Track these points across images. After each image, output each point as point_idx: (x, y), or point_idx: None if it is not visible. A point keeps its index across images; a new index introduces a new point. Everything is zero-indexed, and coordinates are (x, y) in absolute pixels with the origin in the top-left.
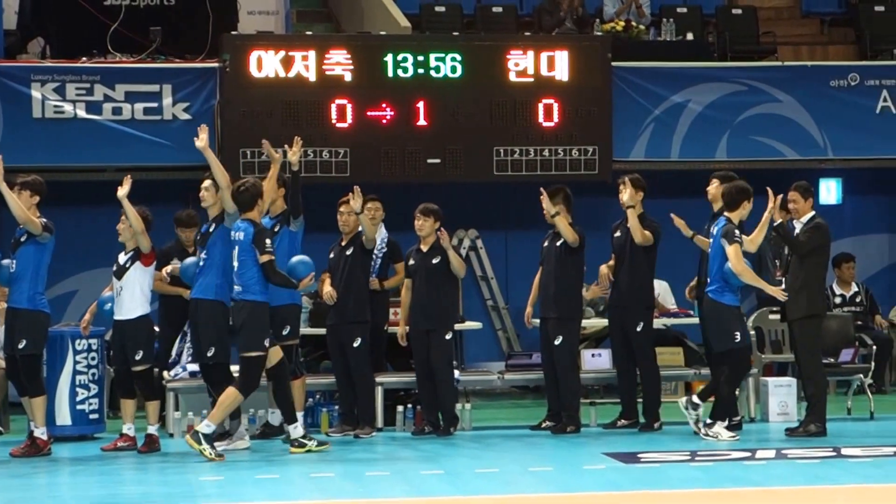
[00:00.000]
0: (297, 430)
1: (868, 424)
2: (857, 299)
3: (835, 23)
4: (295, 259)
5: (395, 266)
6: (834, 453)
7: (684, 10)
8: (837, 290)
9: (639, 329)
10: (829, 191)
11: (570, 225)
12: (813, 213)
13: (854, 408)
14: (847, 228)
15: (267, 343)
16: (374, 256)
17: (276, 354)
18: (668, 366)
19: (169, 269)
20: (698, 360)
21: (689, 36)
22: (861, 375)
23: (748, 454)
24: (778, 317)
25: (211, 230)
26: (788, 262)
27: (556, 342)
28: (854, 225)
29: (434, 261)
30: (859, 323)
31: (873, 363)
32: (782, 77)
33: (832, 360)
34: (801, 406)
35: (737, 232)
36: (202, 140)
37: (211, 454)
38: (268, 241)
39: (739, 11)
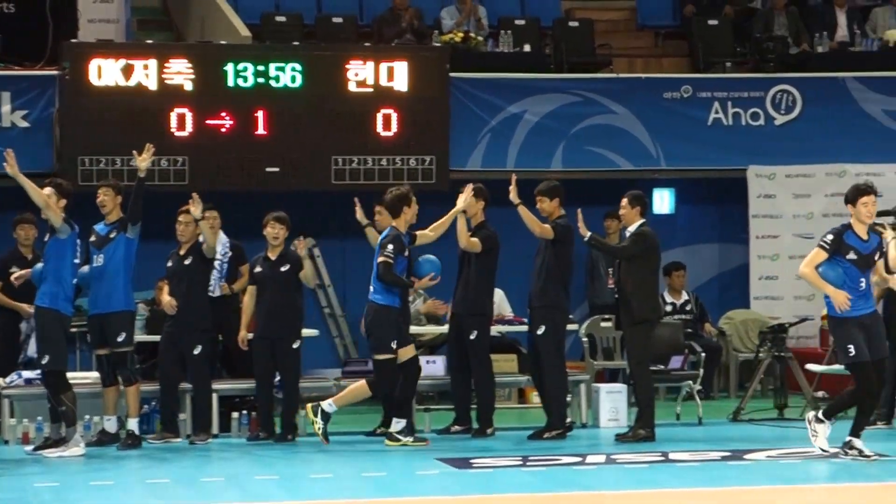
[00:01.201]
0: (397, 424)
1: (696, 430)
2: (688, 307)
3: (669, 36)
4: (422, 258)
5: (241, 269)
6: (662, 458)
7: (522, 22)
8: (668, 299)
9: (473, 337)
10: (663, 200)
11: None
12: (642, 221)
13: (683, 413)
14: (679, 238)
15: (394, 345)
16: (220, 262)
17: (405, 353)
18: (503, 372)
19: (17, 274)
20: (531, 367)
21: (527, 48)
22: (690, 382)
23: (579, 459)
24: (610, 324)
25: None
26: (620, 272)
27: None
28: (686, 234)
29: (283, 269)
30: (689, 331)
31: (702, 370)
32: (617, 89)
33: (662, 366)
34: (632, 412)
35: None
36: (10, 165)
37: (320, 429)
38: (390, 246)
39: (576, 24)
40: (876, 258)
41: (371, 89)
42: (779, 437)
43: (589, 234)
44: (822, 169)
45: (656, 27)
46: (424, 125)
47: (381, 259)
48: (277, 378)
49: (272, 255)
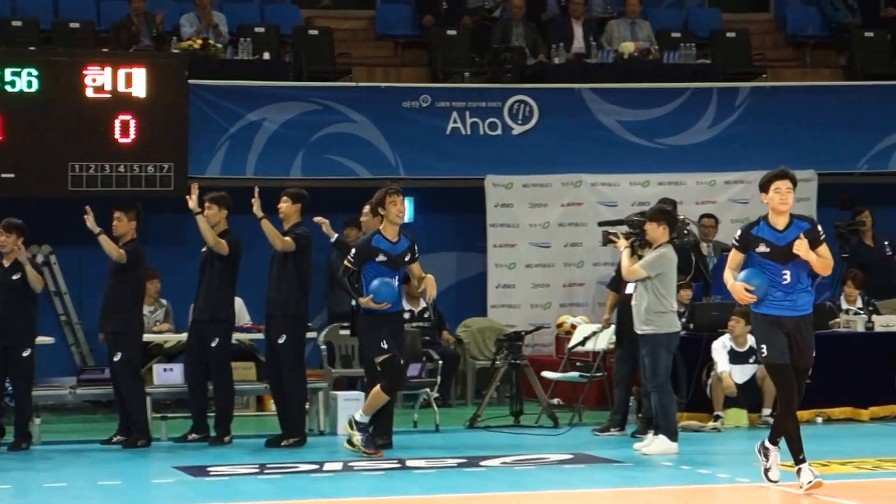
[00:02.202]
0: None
1: (434, 437)
2: (426, 315)
3: (408, 45)
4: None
5: None
6: (399, 465)
7: (262, 29)
8: (407, 306)
9: (214, 344)
10: None
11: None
12: None
13: (420, 420)
14: (418, 246)
15: (384, 344)
16: None
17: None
18: (242, 380)
19: None
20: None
21: (266, 55)
22: (427, 389)
23: (316, 466)
24: (349, 332)
25: None
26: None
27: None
28: (425, 242)
29: (14, 276)
30: (427, 338)
31: (439, 377)
32: (356, 97)
33: None
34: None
35: None
36: None
37: (359, 439)
38: (353, 251)
39: (316, 32)
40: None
41: (109, 95)
42: (514, 443)
43: (335, 235)
44: (559, 179)
45: (395, 36)
46: (163, 132)
47: (343, 262)
48: (10, 386)
49: (6, 263)
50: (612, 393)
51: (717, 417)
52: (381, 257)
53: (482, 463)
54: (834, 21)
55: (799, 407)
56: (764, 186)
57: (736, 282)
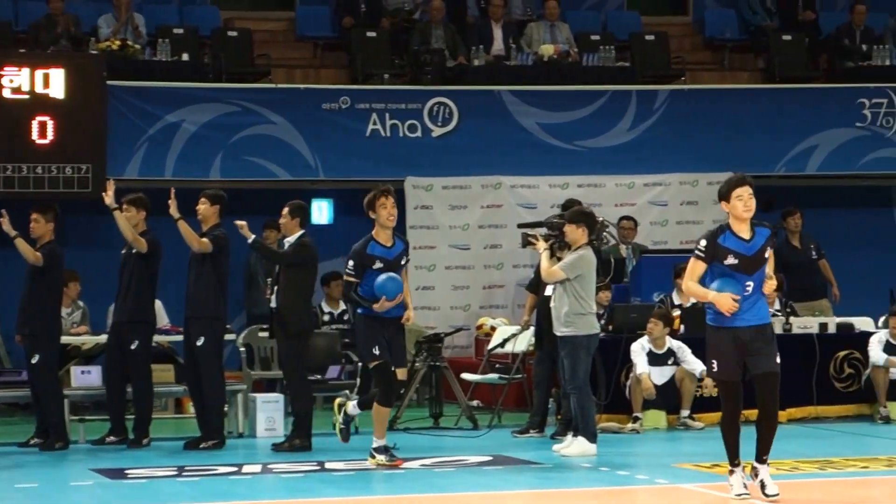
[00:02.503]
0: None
1: (353, 439)
2: (345, 317)
3: (328, 47)
4: (384, 276)
5: None
6: (318, 467)
7: (181, 30)
8: (326, 308)
9: (134, 347)
10: (321, 211)
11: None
12: (301, 231)
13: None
14: (338, 248)
15: (377, 350)
16: None
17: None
18: (160, 382)
19: None
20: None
21: (185, 56)
22: (347, 391)
23: (235, 469)
24: (267, 334)
25: None
26: (277, 282)
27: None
28: (345, 244)
29: None
30: (347, 340)
31: (359, 379)
32: (276, 99)
33: (319, 376)
34: (289, 421)
35: None
36: None
37: (383, 460)
38: (350, 262)
39: (235, 34)
40: (402, 262)
41: (27, 96)
42: (434, 445)
43: (253, 236)
44: (479, 181)
45: (315, 38)
46: (81, 133)
47: (344, 278)
48: None
49: None
50: (532, 395)
51: (635, 419)
52: (378, 264)
53: (402, 465)
54: (752, 24)
55: (718, 408)
56: (724, 195)
57: (718, 293)
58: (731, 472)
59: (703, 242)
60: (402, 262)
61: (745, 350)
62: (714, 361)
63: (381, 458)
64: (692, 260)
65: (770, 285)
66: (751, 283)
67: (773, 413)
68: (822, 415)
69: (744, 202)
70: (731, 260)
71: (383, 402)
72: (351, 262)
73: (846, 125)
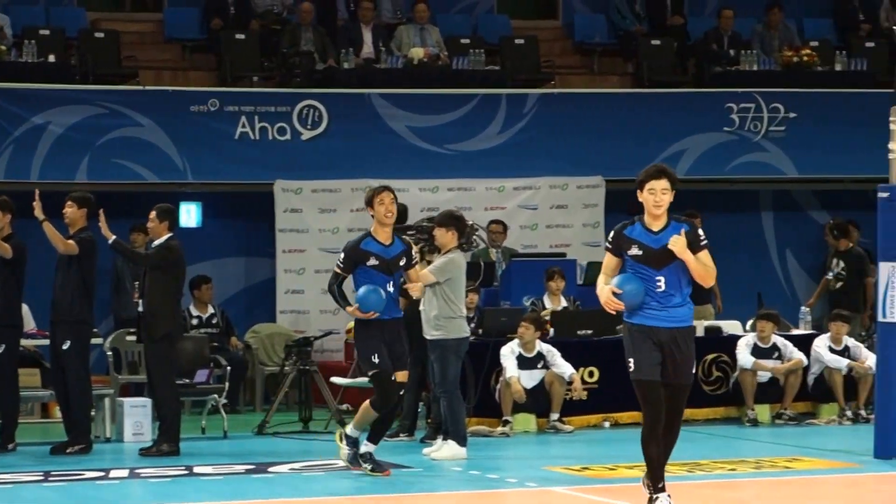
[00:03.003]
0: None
1: (222, 443)
2: (214, 321)
3: (196, 49)
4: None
5: None
6: (187, 472)
7: (47, 32)
8: (195, 312)
9: (0, 350)
10: (190, 214)
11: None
12: (169, 234)
13: (208, 427)
14: (206, 251)
15: (376, 358)
16: None
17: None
18: (26, 387)
19: None
20: (54, 381)
21: (52, 58)
22: (216, 395)
23: (102, 473)
24: (135, 338)
25: None
26: (145, 285)
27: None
28: (213, 248)
29: None
30: (215, 344)
31: (228, 383)
32: (143, 101)
33: (187, 380)
34: (157, 426)
35: None
36: None
37: (344, 456)
38: (341, 255)
39: (102, 35)
40: (401, 264)
41: None
42: (303, 449)
43: (113, 237)
44: (348, 184)
45: (183, 40)
46: None
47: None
48: None
49: None
50: (402, 398)
51: (505, 422)
52: (373, 261)
53: (270, 469)
54: (621, 29)
55: (588, 411)
56: (639, 185)
57: (605, 286)
58: (655, 499)
59: (611, 234)
60: (402, 264)
61: (663, 352)
62: (631, 360)
63: (346, 450)
64: (606, 254)
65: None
66: (661, 279)
67: (674, 428)
68: (690, 418)
69: (655, 196)
70: (634, 251)
71: (377, 407)
72: (342, 255)
73: (714, 130)
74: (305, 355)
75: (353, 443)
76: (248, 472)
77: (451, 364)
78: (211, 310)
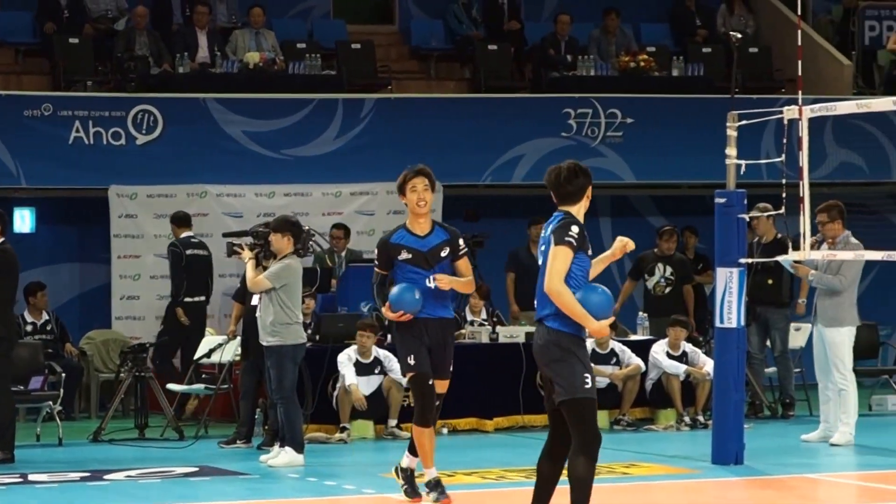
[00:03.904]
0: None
1: (57, 451)
2: (49, 327)
3: (29, 53)
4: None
5: None
6: (21, 480)
7: None
8: (29, 318)
9: None
10: (24, 219)
11: None
12: (2, 240)
13: (43, 434)
14: (40, 257)
15: (411, 360)
16: None
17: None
18: None
19: None
20: None
21: None
22: (51, 402)
23: None
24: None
25: None
26: None
27: None
28: (47, 253)
29: None
30: (50, 351)
31: (63, 390)
32: None
33: (22, 387)
34: None
35: None
36: None
37: (432, 499)
38: (375, 251)
39: None
40: (442, 255)
41: None
42: (139, 456)
43: None
44: (184, 189)
45: (16, 44)
46: None
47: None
48: None
49: None
50: (238, 405)
51: (343, 429)
52: (405, 255)
53: (106, 477)
54: (458, 34)
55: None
56: (401, 188)
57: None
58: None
59: (376, 249)
60: (444, 255)
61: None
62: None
63: (431, 495)
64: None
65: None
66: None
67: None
68: (528, 424)
69: (418, 194)
70: (404, 255)
71: (419, 421)
72: (375, 252)
73: (552, 135)
74: (141, 362)
75: (436, 484)
76: (83, 479)
77: (287, 370)
78: (45, 316)
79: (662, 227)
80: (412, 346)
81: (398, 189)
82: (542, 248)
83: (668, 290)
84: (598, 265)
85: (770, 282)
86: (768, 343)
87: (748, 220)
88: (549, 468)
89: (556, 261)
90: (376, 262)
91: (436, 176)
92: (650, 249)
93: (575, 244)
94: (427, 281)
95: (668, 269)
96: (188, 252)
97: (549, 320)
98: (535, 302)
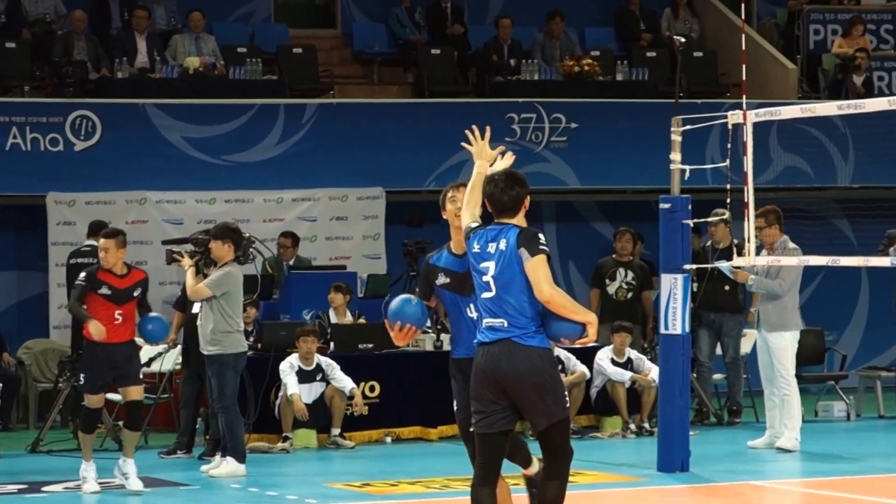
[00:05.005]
0: None
1: None
2: None
3: None
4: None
5: None
6: None
7: None
8: None
9: None
10: None
11: None
12: None
13: None
14: None
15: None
16: None
17: None
18: None
19: None
20: None
21: None
22: None
23: None
24: None
25: None
26: None
27: None
28: None
29: None
30: None
31: (1, 401)
32: None
33: None
34: None
35: None
36: None
37: None
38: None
39: None
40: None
41: None
42: (78, 467)
43: None
44: (123, 196)
45: None
46: None
47: None
48: None
49: None
50: (179, 414)
51: (285, 438)
52: (442, 279)
53: (44, 489)
54: (401, 38)
55: (369, 426)
56: (442, 203)
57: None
58: None
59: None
60: None
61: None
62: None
63: None
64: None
65: None
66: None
67: None
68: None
69: (456, 205)
70: (441, 279)
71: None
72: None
73: (496, 140)
74: (79, 371)
75: None
76: (21, 491)
77: (228, 379)
78: None
79: (618, 229)
80: (458, 392)
81: (440, 204)
82: (486, 263)
83: (629, 294)
84: (473, 192)
85: (727, 288)
86: (718, 350)
87: (711, 225)
88: (489, 496)
89: (541, 270)
90: (417, 288)
91: (379, 181)
92: (609, 256)
93: (548, 251)
94: (467, 310)
95: (630, 275)
96: (71, 261)
97: (527, 338)
98: (491, 320)
